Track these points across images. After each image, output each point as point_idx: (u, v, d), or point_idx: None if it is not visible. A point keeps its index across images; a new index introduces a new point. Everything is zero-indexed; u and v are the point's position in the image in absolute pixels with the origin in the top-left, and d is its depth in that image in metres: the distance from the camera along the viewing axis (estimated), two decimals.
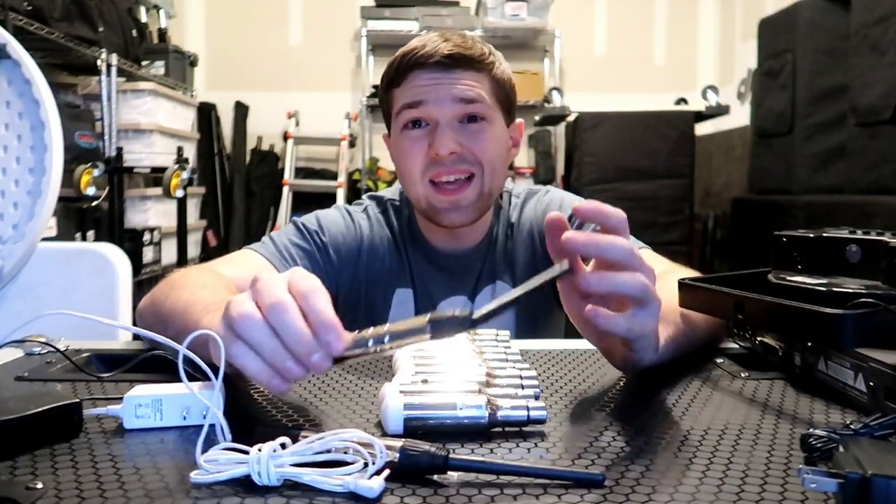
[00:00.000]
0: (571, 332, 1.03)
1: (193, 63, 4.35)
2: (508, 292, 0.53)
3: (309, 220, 1.08)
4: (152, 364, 0.70)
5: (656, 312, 0.59)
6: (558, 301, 1.14)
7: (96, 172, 2.90)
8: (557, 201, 1.11)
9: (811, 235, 0.71)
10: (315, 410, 0.59)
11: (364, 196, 1.17)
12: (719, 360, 0.74)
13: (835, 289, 0.62)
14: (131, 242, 3.35)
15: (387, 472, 0.43)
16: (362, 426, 0.54)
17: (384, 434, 0.52)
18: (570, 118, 3.68)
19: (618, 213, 0.59)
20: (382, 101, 1.05)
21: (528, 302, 1.09)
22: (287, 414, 0.58)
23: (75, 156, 2.98)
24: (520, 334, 1.08)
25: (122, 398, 0.54)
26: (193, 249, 4.07)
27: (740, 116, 3.83)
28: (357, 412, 0.58)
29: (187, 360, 0.50)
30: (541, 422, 0.53)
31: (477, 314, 0.50)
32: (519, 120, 1.08)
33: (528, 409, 0.53)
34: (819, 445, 0.44)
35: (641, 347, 0.61)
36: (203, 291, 0.73)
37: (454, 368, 0.60)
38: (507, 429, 0.53)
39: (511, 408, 0.53)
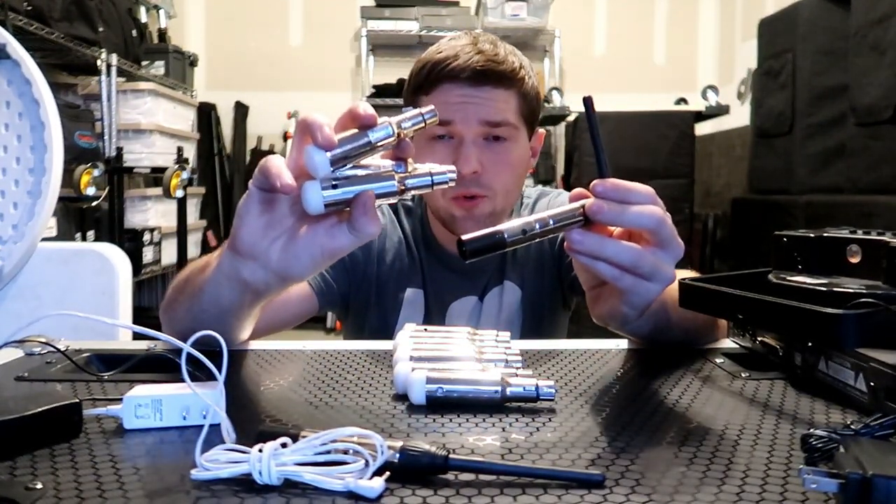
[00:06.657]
0: (574, 335, 1.04)
1: (193, 63, 4.35)
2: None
3: None
4: (152, 364, 0.70)
5: (672, 258, 0.61)
6: (565, 303, 1.15)
7: (96, 172, 2.91)
8: None
9: (811, 235, 0.71)
10: (315, 411, 0.59)
11: None
12: (719, 360, 0.74)
13: (835, 289, 0.62)
14: (131, 242, 3.36)
15: (387, 473, 0.43)
16: (363, 427, 0.54)
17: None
18: (570, 118, 3.68)
19: (642, 190, 0.60)
20: (407, 102, 1.05)
21: (535, 302, 1.09)
22: (287, 414, 0.58)
23: (75, 156, 2.98)
24: (524, 334, 1.08)
25: (122, 398, 0.54)
26: (193, 249, 4.07)
27: (740, 116, 3.83)
28: (357, 412, 0.58)
29: (189, 359, 0.50)
30: (550, 399, 0.58)
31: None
32: (541, 130, 1.09)
33: (537, 387, 0.58)
34: (819, 445, 0.44)
35: (632, 301, 0.63)
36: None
37: (469, 375, 0.60)
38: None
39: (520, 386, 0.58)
